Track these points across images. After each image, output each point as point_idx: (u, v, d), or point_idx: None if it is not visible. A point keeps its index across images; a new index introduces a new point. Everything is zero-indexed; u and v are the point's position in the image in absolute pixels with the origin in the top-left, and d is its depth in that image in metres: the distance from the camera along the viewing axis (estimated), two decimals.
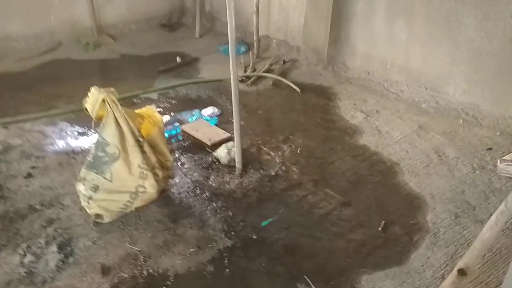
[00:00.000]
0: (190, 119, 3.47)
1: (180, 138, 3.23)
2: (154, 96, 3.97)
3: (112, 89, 2.26)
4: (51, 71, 4.53)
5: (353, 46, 4.23)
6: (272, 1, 4.92)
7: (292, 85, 4.09)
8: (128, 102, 3.75)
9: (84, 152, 3.01)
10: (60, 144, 3.14)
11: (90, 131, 3.27)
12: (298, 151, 3.06)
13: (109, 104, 2.22)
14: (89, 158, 2.34)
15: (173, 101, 3.87)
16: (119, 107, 2.26)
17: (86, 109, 2.26)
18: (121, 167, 2.31)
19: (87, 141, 3.16)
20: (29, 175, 2.75)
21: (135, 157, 2.32)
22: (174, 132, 3.27)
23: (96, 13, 5.31)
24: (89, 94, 2.23)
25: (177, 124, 3.35)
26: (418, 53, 3.73)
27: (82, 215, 2.40)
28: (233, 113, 2.65)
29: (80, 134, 3.28)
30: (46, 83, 4.22)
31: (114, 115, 2.25)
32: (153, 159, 2.40)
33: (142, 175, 2.35)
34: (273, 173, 2.81)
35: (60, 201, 2.53)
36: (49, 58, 4.82)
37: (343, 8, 4.15)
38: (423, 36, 3.63)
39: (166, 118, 3.46)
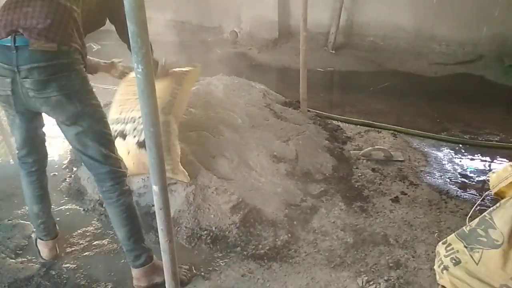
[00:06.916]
0: None
1: None
2: None
3: None
4: (459, 86, 4.30)
5: None
6: None
7: None
8: None
9: (458, 200, 2.72)
10: (437, 177, 2.95)
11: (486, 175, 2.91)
12: None
13: None
14: (466, 227, 2.05)
15: None
16: None
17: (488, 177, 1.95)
18: (496, 257, 1.91)
19: (471, 185, 2.84)
20: (396, 200, 2.71)
21: None
22: None
23: None
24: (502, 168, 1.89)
25: None
26: None
27: (429, 278, 2.17)
28: None
29: (467, 173, 2.99)
30: (449, 99, 4.04)
31: None
32: None
33: None
34: None
35: (414, 246, 2.37)
36: (462, 70, 4.58)
37: None
38: None
39: None
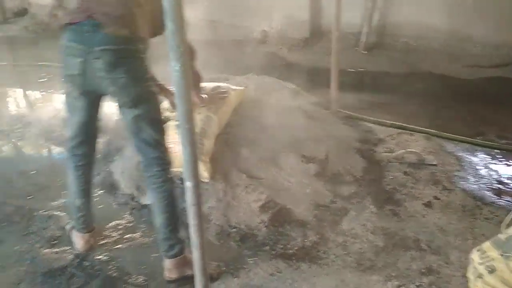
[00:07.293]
0: None
1: None
2: None
3: None
4: (494, 90, 4.17)
5: None
6: None
7: None
8: None
9: (493, 206, 2.64)
10: (471, 182, 2.87)
11: None
12: None
13: None
14: (502, 234, 1.98)
15: None
16: None
17: None
18: None
19: (507, 192, 2.75)
20: (428, 204, 2.65)
21: None
22: None
23: None
24: None
25: None
26: None
27: (462, 285, 2.11)
28: None
29: (503, 179, 2.89)
30: (484, 102, 3.93)
31: None
32: None
33: None
34: None
35: (447, 252, 2.31)
36: (499, 74, 4.42)
37: None
38: None
39: None
